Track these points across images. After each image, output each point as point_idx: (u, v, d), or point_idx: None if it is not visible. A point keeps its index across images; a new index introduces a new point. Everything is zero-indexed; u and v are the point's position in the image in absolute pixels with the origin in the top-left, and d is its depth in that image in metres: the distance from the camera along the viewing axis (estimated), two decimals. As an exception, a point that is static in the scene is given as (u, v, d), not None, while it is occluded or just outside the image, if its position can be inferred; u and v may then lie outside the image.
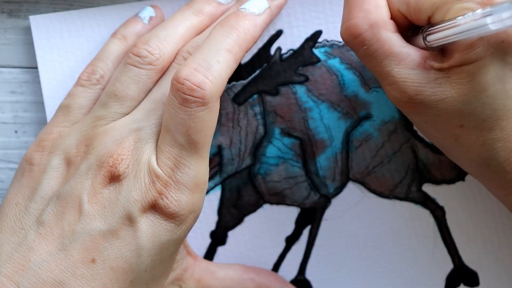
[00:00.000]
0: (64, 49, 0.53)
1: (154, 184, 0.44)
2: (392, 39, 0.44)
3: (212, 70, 0.44)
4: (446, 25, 0.41)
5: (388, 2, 0.44)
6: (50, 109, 0.53)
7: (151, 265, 0.45)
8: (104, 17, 0.53)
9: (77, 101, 0.50)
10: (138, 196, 0.44)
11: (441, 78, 0.43)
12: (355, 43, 0.44)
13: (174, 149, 0.45)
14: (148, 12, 0.52)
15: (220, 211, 0.55)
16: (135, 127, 0.46)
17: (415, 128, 0.54)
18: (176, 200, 0.44)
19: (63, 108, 0.51)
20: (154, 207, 0.44)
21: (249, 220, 0.55)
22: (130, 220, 0.44)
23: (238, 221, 0.55)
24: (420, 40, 0.44)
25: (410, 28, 0.45)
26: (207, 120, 0.45)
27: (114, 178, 0.45)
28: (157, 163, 0.45)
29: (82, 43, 0.53)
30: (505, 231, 0.54)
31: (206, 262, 0.53)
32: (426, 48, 0.43)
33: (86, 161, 0.46)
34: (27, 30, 0.54)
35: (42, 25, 0.53)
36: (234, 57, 0.46)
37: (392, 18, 0.44)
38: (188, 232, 0.46)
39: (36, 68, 0.54)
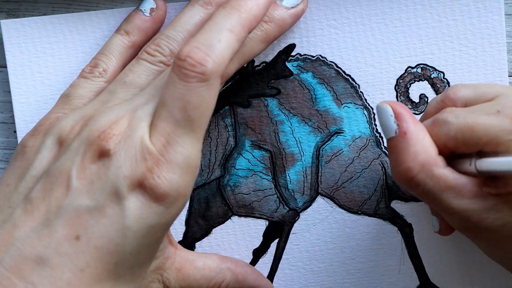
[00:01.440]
0: (35, 54, 0.53)
1: (146, 161, 0.43)
2: (446, 175, 0.45)
3: (214, 48, 0.44)
4: (500, 160, 0.42)
5: (433, 139, 0.45)
6: (18, 114, 0.53)
7: (137, 248, 0.44)
8: (76, 23, 0.53)
9: (78, 90, 0.50)
10: (128, 172, 0.43)
11: (501, 204, 0.44)
12: (410, 185, 0.45)
13: (169, 124, 0.44)
14: (148, 4, 0.52)
15: (187, 222, 0.55)
16: (132, 107, 0.46)
17: (385, 144, 0.54)
18: (167, 179, 0.43)
19: (63, 97, 0.51)
20: (143, 186, 0.43)
21: (217, 231, 0.55)
22: (117, 197, 0.43)
23: (205, 232, 0.55)
24: (467, 167, 0.45)
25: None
26: (206, 97, 0.44)
27: (104, 153, 0.44)
28: (150, 139, 0.43)
29: (53, 49, 0.53)
30: (473, 251, 0.54)
31: (186, 251, 0.52)
32: (475, 174, 0.44)
33: (78, 138, 0.45)
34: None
35: (13, 29, 0.53)
36: (236, 37, 0.46)
37: (438, 151, 0.46)
38: (176, 217, 0.45)
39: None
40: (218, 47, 0.44)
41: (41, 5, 0.54)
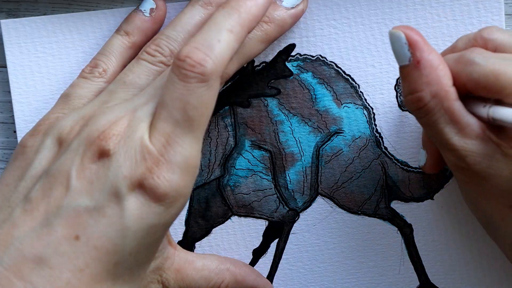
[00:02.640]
0: (35, 54, 0.53)
1: (145, 161, 0.43)
2: (454, 108, 0.44)
3: (213, 48, 0.44)
4: None
5: (454, 76, 0.45)
6: (18, 114, 0.53)
7: (136, 248, 0.44)
8: (76, 23, 0.53)
9: (77, 91, 0.50)
10: (127, 172, 0.43)
11: (499, 154, 0.44)
12: (419, 112, 0.45)
13: (168, 125, 0.44)
14: (148, 4, 0.52)
15: (187, 222, 0.55)
16: (132, 108, 0.46)
17: (385, 144, 0.54)
18: (167, 180, 0.43)
19: (63, 97, 0.51)
20: (143, 186, 0.43)
21: (217, 231, 0.55)
22: (117, 197, 0.43)
23: (205, 232, 0.55)
24: (480, 109, 0.44)
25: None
26: (206, 97, 0.44)
27: (104, 154, 0.44)
28: (150, 140, 0.43)
29: (53, 49, 0.53)
30: (472, 251, 0.54)
31: (185, 252, 0.52)
32: (487, 120, 0.44)
33: (78, 138, 0.45)
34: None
35: (13, 29, 0.53)
36: (235, 37, 0.46)
37: (455, 85, 0.45)
38: (175, 218, 0.45)
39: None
40: (218, 47, 0.44)
41: (41, 5, 0.54)
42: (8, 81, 0.54)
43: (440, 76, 0.44)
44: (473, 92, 0.44)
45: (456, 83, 0.45)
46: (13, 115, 0.54)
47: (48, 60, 0.53)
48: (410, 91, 0.45)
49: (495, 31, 0.46)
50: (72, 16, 0.53)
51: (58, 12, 0.54)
